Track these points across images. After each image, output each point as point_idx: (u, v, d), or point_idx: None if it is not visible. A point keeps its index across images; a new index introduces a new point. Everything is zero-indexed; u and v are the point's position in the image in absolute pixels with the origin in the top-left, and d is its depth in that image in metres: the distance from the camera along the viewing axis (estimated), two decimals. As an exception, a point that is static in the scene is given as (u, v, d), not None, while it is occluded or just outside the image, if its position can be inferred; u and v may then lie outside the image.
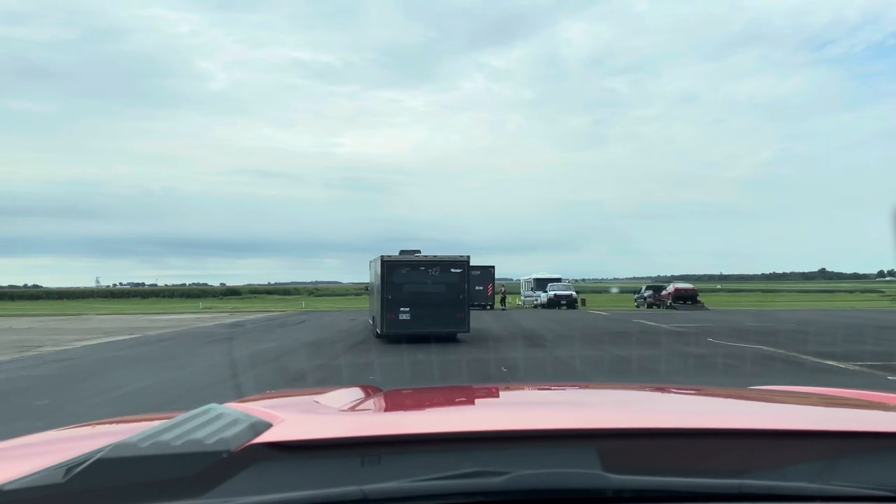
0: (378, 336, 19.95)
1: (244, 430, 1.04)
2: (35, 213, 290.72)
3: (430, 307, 19.51)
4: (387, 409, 1.62)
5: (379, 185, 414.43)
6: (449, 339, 19.36)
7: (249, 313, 43.47)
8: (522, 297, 55.44)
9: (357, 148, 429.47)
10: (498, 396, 1.97)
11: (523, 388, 2.55)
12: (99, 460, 0.95)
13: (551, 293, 47.63)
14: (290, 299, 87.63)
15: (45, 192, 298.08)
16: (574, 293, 48.09)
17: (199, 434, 1.01)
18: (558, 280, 51.35)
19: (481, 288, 45.13)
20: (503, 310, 44.27)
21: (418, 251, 20.81)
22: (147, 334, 24.27)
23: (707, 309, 43.84)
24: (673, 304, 45.28)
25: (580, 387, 2.69)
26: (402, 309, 19.52)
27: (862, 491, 1.00)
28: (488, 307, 44.67)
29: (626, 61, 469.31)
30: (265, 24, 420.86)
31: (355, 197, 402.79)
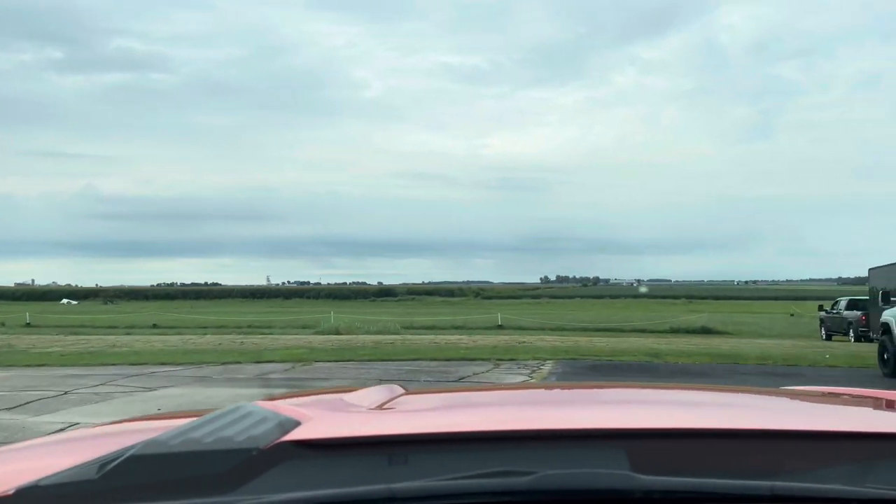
0: None
1: (273, 427, 1.01)
2: (217, 217, 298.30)
3: None
4: (414, 409, 1.50)
5: (530, 185, 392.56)
6: None
7: (405, 362, 23.63)
8: None
9: (507, 148, 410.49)
10: (525, 396, 1.93)
11: (551, 388, 2.39)
12: (131, 457, 0.94)
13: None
14: (455, 303, 68.86)
15: (225, 198, 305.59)
16: None
17: (229, 432, 1.00)
18: None
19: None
20: None
21: None
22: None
23: None
24: None
25: (608, 386, 2.41)
26: None
27: None
28: None
29: (796, 45, 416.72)
30: (416, 31, 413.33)
31: (507, 197, 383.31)
